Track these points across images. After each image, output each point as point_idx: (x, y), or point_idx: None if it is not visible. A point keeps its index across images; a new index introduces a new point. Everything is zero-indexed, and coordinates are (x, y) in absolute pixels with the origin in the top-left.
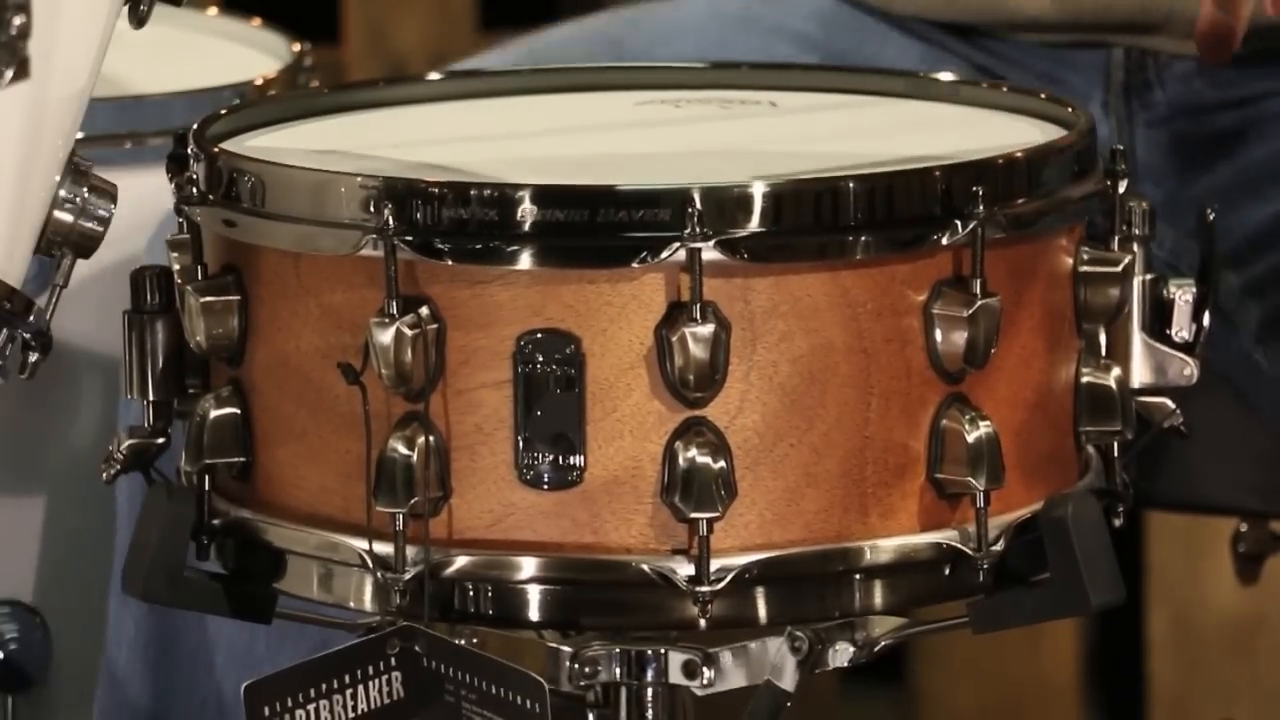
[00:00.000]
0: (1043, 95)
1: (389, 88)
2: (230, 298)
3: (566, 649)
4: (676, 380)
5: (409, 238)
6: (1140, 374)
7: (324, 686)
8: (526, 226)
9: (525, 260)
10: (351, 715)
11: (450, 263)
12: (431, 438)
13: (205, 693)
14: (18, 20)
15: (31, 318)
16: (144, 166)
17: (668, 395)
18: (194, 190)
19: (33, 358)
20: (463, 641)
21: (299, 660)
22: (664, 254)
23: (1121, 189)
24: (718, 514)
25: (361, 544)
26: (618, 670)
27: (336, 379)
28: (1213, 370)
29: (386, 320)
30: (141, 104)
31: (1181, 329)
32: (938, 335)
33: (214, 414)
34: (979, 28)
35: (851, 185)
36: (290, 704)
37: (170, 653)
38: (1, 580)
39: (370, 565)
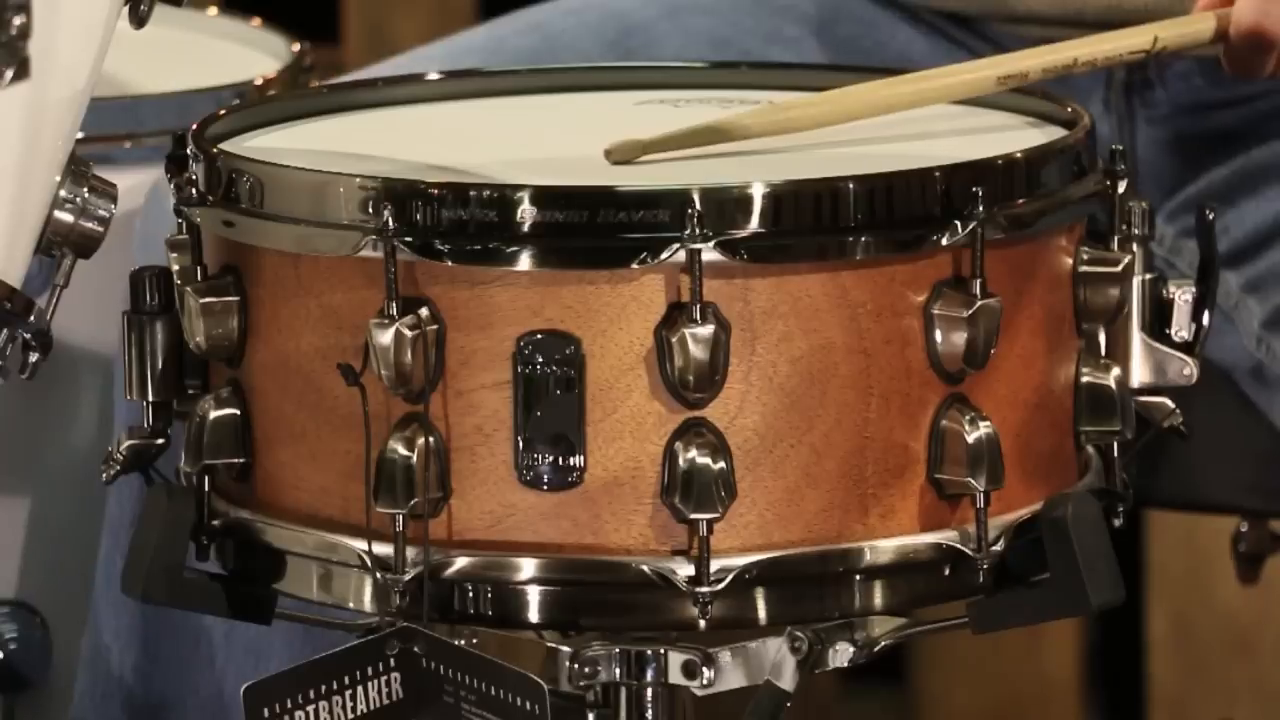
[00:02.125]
0: (1042, 95)
1: (389, 88)
2: (230, 298)
3: (566, 649)
4: (676, 381)
5: (409, 238)
6: (1140, 374)
7: (323, 687)
8: (526, 227)
9: (525, 261)
10: (351, 716)
11: (450, 263)
12: (431, 439)
13: (202, 685)
14: (18, 20)
15: (31, 318)
16: (144, 166)
17: (667, 396)
18: (193, 191)
19: (33, 358)
20: (462, 642)
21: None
22: (664, 255)
23: (1121, 189)
24: (718, 514)
25: (361, 545)
26: (617, 670)
27: (336, 380)
28: (1213, 369)
29: (386, 321)
30: (141, 104)
31: (1181, 329)
32: (937, 336)
33: (214, 415)
34: (982, 19)
35: (851, 186)
36: (290, 705)
37: (160, 646)
38: (1, 580)
39: (370, 566)
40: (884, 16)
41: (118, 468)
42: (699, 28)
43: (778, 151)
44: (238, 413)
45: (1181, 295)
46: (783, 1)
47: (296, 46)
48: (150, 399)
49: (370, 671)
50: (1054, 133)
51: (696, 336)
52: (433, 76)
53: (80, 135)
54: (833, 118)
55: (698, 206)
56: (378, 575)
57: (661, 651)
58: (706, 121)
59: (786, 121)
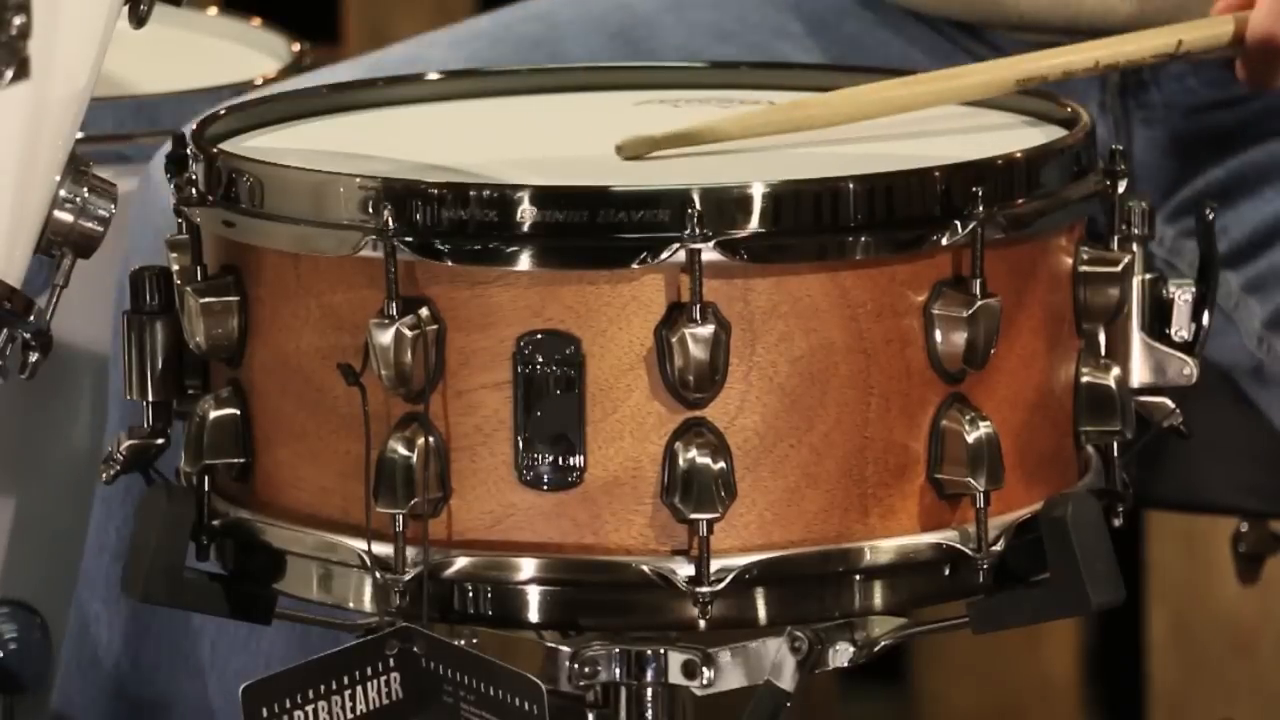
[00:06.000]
0: (1042, 95)
1: (389, 88)
2: (230, 298)
3: (566, 649)
4: (676, 381)
5: (409, 238)
6: (1140, 374)
7: (322, 687)
8: (526, 227)
9: (525, 261)
10: (350, 716)
11: (450, 263)
12: (431, 438)
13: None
14: (18, 20)
15: (31, 318)
16: (144, 166)
17: (668, 396)
18: (193, 191)
19: (33, 358)
20: (462, 642)
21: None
22: (664, 255)
23: (1121, 189)
24: (718, 515)
25: (361, 545)
26: (617, 670)
27: (336, 380)
28: (1213, 370)
29: (386, 321)
30: (141, 104)
31: (1181, 329)
32: (937, 336)
33: (213, 414)
34: (981, 25)
35: (851, 186)
36: (289, 704)
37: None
38: (1, 580)
39: (370, 566)
40: (891, 17)
41: (118, 468)
42: (703, 21)
43: (777, 151)
44: (238, 413)
45: (1181, 295)
46: None
47: (296, 46)
48: (150, 399)
49: (370, 671)
50: (1054, 132)
51: (696, 336)
52: (432, 76)
53: (80, 135)
54: (845, 117)
55: (697, 206)
56: (377, 575)
57: (661, 651)
58: (711, 120)
59: (802, 120)
